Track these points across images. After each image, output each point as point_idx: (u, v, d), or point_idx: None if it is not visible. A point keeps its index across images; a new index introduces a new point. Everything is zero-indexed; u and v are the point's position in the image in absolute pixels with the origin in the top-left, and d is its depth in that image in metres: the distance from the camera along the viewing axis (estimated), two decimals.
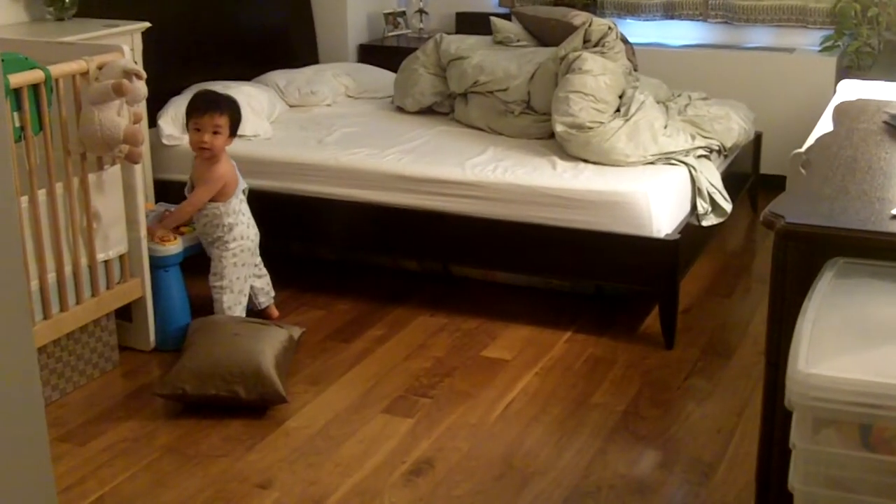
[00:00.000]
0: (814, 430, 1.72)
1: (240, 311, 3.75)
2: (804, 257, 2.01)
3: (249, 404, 3.27)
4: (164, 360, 3.62)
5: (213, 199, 3.69)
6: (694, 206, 3.96)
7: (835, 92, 4.49)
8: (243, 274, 3.77)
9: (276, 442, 3.15)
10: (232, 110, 3.69)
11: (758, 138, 4.90)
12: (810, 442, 1.72)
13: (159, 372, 3.56)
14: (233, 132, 3.71)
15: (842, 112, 2.87)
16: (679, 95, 4.63)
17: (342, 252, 4.46)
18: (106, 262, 3.48)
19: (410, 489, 2.91)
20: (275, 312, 3.93)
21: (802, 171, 2.57)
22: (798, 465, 1.75)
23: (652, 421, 3.27)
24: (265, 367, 3.26)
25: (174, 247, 3.71)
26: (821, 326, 1.77)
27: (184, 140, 4.31)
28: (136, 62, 3.74)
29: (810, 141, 3.29)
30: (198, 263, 3.84)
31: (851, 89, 4.12)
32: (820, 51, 5.27)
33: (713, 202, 4.02)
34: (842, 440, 1.71)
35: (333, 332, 3.89)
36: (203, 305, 3.79)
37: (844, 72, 5.14)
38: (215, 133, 3.63)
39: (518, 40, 4.81)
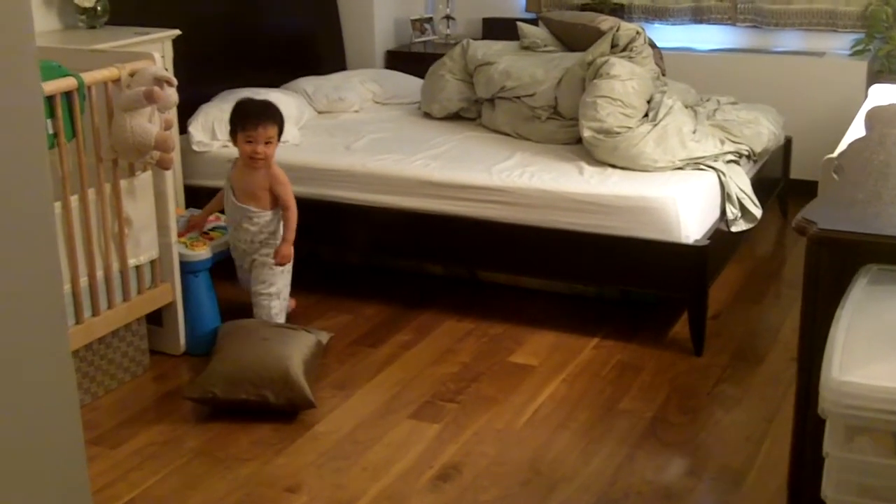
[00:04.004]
0: (847, 439, 1.71)
1: (284, 317, 3.78)
2: (837, 264, 2.00)
3: (278, 408, 3.29)
4: (194, 364, 3.64)
5: (266, 208, 3.71)
6: (723, 212, 3.94)
7: (866, 96, 4.47)
8: (289, 280, 3.80)
9: (305, 446, 3.16)
10: (280, 119, 3.73)
11: (788, 143, 4.87)
12: (843, 450, 1.71)
13: (189, 376, 3.58)
14: (281, 134, 3.76)
15: (874, 117, 2.85)
16: (708, 100, 4.61)
17: (369, 257, 4.47)
18: (137, 267, 3.51)
19: (437, 494, 2.92)
20: (292, 303, 3.94)
21: (835, 176, 2.56)
22: (831, 473, 1.74)
23: (680, 427, 3.26)
24: (294, 371, 3.28)
25: (204, 252, 3.73)
26: (854, 333, 1.77)
27: (214, 146, 4.35)
28: (166, 69, 3.77)
29: (842, 146, 3.28)
30: (227, 268, 3.86)
31: (883, 93, 4.10)
32: (850, 55, 5.23)
33: (743, 208, 4.00)
34: (875, 449, 1.70)
35: (361, 336, 3.90)
36: (232, 310, 3.81)
37: (875, 76, 5.10)
38: (267, 143, 3.66)
39: (545, 45, 4.80)
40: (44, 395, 1.63)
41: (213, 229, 3.88)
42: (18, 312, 1.59)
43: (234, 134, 3.72)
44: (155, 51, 3.61)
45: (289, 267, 3.78)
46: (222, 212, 3.87)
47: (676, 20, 5.61)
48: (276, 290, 3.75)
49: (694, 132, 4.06)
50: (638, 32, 4.34)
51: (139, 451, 3.14)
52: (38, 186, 1.60)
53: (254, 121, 3.66)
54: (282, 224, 3.74)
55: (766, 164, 4.46)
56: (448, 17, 5.97)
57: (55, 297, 1.65)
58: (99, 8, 4.14)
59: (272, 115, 3.70)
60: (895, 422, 1.64)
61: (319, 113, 4.92)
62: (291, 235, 3.72)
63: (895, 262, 1.96)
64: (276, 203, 3.72)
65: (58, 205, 3.19)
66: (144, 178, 3.50)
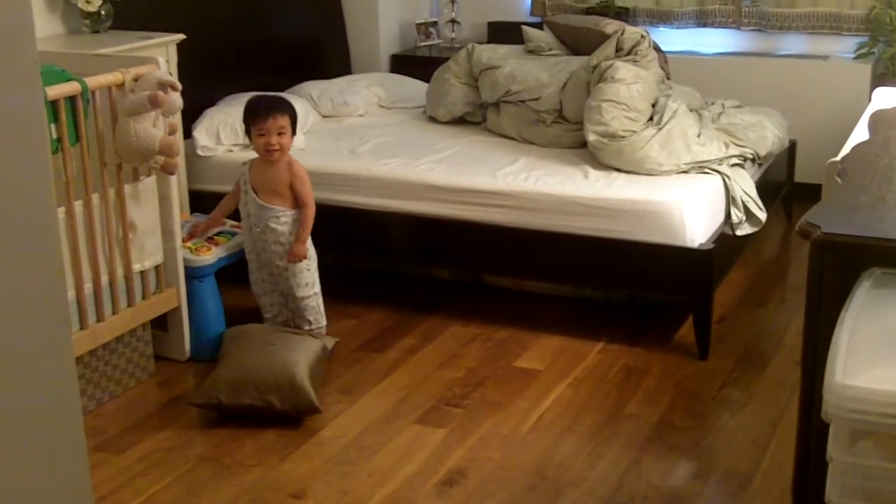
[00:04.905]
0: (851, 443, 1.71)
1: None
2: (840, 267, 2.00)
3: (283, 414, 3.28)
4: (199, 369, 3.64)
5: (291, 207, 3.71)
6: (728, 216, 3.94)
7: (870, 100, 4.46)
8: None
9: (310, 452, 3.16)
10: (290, 109, 3.73)
11: (792, 146, 4.86)
12: (847, 454, 1.71)
13: (194, 381, 3.59)
14: (294, 130, 3.73)
15: (877, 120, 2.85)
16: (712, 103, 4.60)
17: (375, 261, 4.47)
18: (142, 272, 3.51)
19: (443, 499, 2.91)
20: None
21: (838, 180, 2.55)
22: (835, 477, 1.74)
23: (686, 431, 3.25)
24: (299, 377, 3.27)
25: (209, 257, 3.73)
26: (858, 337, 1.76)
27: (218, 151, 4.35)
28: (171, 74, 3.77)
29: (846, 149, 3.27)
30: (233, 273, 3.86)
31: (887, 97, 4.10)
32: (855, 58, 5.22)
33: (747, 211, 3.99)
34: (879, 452, 1.70)
35: (366, 341, 3.90)
36: (238, 315, 3.81)
37: (879, 79, 5.10)
38: (280, 134, 3.65)
39: (550, 49, 4.80)
40: (46, 401, 1.63)
41: (218, 234, 3.88)
42: (21, 318, 1.59)
43: (248, 133, 3.74)
44: (159, 55, 3.62)
45: (315, 263, 3.78)
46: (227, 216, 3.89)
47: (681, 24, 5.61)
48: (318, 287, 3.77)
49: (699, 136, 4.06)
50: (643, 36, 4.34)
51: (144, 457, 3.14)
52: (41, 191, 1.61)
53: (263, 113, 3.66)
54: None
55: (770, 168, 4.46)
56: (453, 21, 5.97)
57: (58, 303, 1.65)
58: (103, 12, 4.15)
59: (281, 107, 3.70)
60: None
61: (324, 117, 4.92)
62: (306, 235, 3.71)
63: None
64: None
65: (62, 210, 3.19)
66: (149, 183, 3.51)
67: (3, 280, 1.57)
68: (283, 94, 4.75)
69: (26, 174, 1.60)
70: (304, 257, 3.71)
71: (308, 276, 3.74)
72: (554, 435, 3.23)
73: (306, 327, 3.74)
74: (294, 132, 3.74)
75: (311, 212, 3.70)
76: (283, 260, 3.70)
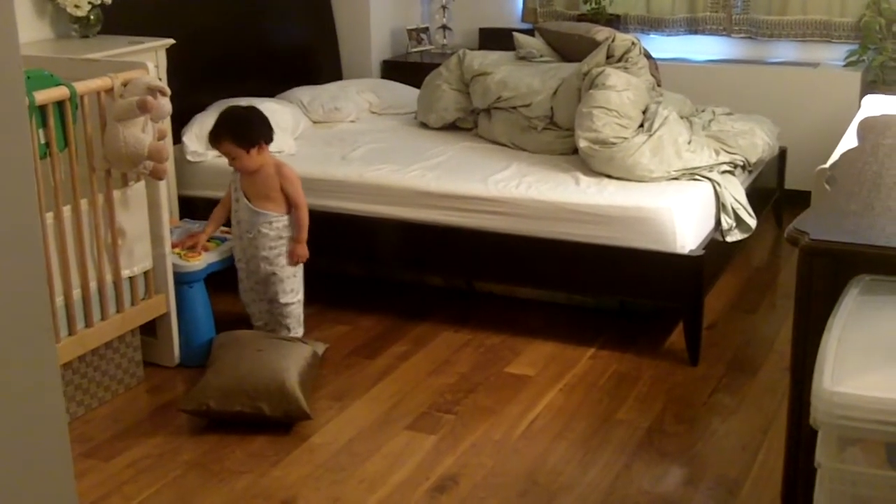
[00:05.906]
0: (839, 449, 1.71)
1: None
2: (829, 274, 2.00)
3: (273, 420, 3.27)
4: (189, 375, 3.63)
5: (283, 212, 3.70)
6: (718, 222, 3.94)
7: (860, 107, 4.47)
8: None
9: (301, 458, 3.15)
10: (229, 132, 3.62)
11: (782, 153, 4.87)
12: (836, 461, 1.71)
13: (184, 388, 3.57)
14: (247, 143, 3.60)
15: (867, 127, 2.85)
16: (703, 110, 4.61)
17: (366, 268, 4.46)
18: (130, 278, 3.50)
19: None
20: None
21: (827, 187, 2.56)
22: (824, 483, 1.74)
23: (677, 437, 3.25)
24: (289, 383, 3.27)
25: (198, 263, 3.72)
26: (846, 344, 1.76)
27: (208, 156, 4.35)
28: (160, 79, 3.76)
29: (835, 156, 3.28)
30: (222, 279, 3.86)
31: (876, 104, 4.11)
32: (844, 65, 5.24)
33: (737, 218, 4.00)
34: (868, 459, 1.70)
35: (357, 347, 3.90)
36: (227, 321, 3.81)
37: (869, 86, 5.11)
38: (234, 158, 3.64)
39: (541, 56, 4.81)
40: (30, 408, 1.62)
41: (208, 240, 3.86)
42: (3, 323, 1.58)
43: None
44: (148, 60, 3.61)
45: (301, 269, 3.77)
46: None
47: (672, 31, 5.62)
48: (301, 295, 3.77)
49: (689, 143, 4.07)
50: (633, 43, 4.35)
51: (133, 463, 3.13)
52: (25, 197, 1.60)
53: (210, 141, 3.72)
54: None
55: (760, 175, 4.46)
56: (444, 27, 5.97)
57: (41, 310, 1.64)
58: (92, 17, 4.14)
59: (219, 134, 3.65)
60: (886, 432, 1.63)
61: (315, 123, 4.92)
62: (304, 235, 3.71)
63: (887, 273, 1.96)
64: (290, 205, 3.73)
65: (50, 215, 3.18)
66: (138, 189, 3.50)
67: None
68: (273, 100, 4.76)
69: (9, 180, 1.59)
70: (306, 257, 3.71)
71: (294, 283, 3.74)
72: (545, 441, 3.23)
73: (283, 333, 3.73)
74: (251, 144, 3.60)
75: (304, 213, 3.71)
76: (272, 264, 3.70)
